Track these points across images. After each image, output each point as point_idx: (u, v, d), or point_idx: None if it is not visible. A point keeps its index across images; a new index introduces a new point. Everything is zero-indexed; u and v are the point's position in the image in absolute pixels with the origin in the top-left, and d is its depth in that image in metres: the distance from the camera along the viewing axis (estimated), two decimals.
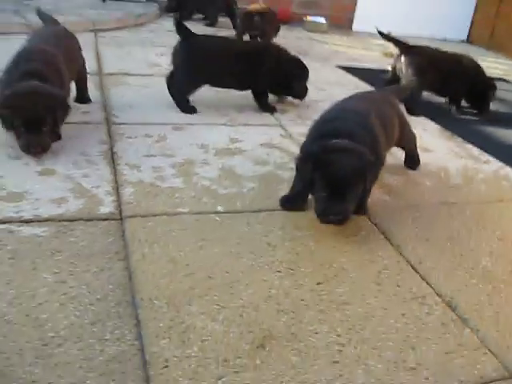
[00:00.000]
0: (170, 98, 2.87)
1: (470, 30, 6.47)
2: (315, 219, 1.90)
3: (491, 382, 1.36)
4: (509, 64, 5.69)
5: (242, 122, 2.81)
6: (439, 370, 1.37)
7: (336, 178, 1.80)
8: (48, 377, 1.21)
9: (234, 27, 4.94)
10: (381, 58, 4.92)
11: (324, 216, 1.83)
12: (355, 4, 6.00)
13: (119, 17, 4.57)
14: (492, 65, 5.40)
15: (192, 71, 2.74)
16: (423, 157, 2.71)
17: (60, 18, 4.07)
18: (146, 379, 1.23)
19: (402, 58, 3.43)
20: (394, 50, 5.04)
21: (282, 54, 2.97)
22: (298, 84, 3.02)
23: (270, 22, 4.51)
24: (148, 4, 5.28)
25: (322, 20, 5.64)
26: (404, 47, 3.49)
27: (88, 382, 1.21)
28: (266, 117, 2.95)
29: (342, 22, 5.97)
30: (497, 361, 1.43)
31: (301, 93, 3.07)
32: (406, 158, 2.56)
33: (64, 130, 2.30)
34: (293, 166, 2.09)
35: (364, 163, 1.83)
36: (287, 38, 4.95)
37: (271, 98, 3.13)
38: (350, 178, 1.81)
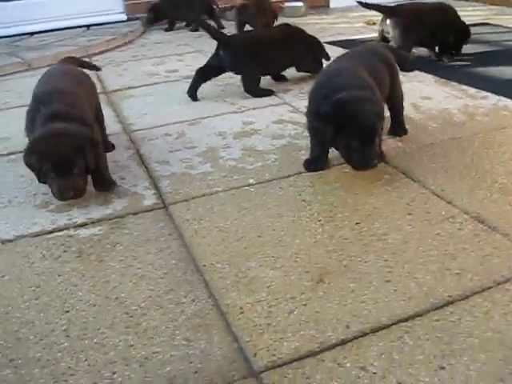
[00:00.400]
0: (176, 99, 3.06)
1: None
2: (340, 172, 2.06)
3: None
4: (488, 9, 5.82)
5: (251, 107, 2.96)
6: (481, 270, 1.52)
7: (366, 126, 1.92)
8: (141, 340, 1.36)
9: (219, 27, 5.11)
10: (364, 27, 5.05)
11: (365, 164, 1.96)
12: None
13: (108, 39, 4.74)
14: (472, 13, 5.53)
15: (247, 67, 3.05)
16: (425, 104, 2.87)
17: (53, 50, 4.30)
18: (227, 325, 1.38)
19: (388, 21, 3.57)
20: (374, 17, 5.22)
21: (308, 35, 3.33)
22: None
23: (263, 12, 4.78)
24: (131, 22, 5.45)
25: (299, 4, 5.78)
26: (387, 10, 3.63)
27: (178, 337, 1.36)
28: (271, 98, 3.10)
29: (318, 2, 6.10)
30: None
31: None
32: (392, 124, 2.48)
33: None
34: (307, 134, 2.25)
35: (380, 108, 1.98)
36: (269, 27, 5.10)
37: (268, 80, 3.30)
38: (377, 123, 1.95)
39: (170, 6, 5.20)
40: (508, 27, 4.75)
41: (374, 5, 3.69)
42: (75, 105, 2.11)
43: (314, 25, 5.22)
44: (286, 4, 5.75)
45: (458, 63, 3.67)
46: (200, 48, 4.50)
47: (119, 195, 2.08)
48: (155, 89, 3.43)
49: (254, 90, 3.12)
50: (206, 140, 2.55)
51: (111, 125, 2.85)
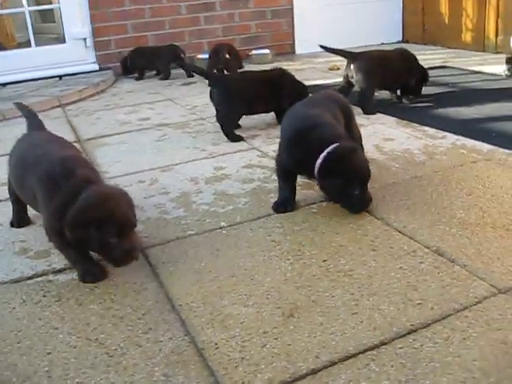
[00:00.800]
0: (149, 146, 3.17)
1: (403, 31, 6.93)
2: (307, 214, 2.18)
3: (484, 299, 1.62)
4: (445, 52, 6.13)
5: (220, 153, 3.08)
6: (441, 300, 1.63)
7: (366, 174, 2.17)
8: (121, 378, 1.42)
9: (188, 76, 5.30)
10: (329, 72, 5.28)
11: (366, 207, 2.21)
12: (293, 30, 6.39)
13: (80, 88, 4.85)
14: (430, 56, 5.83)
15: (232, 105, 3.23)
16: (387, 145, 3.02)
17: (27, 100, 4.38)
18: (204, 361, 1.45)
19: (351, 66, 3.76)
20: (338, 62, 5.46)
21: (292, 77, 3.52)
22: None
23: (235, 56, 5.10)
24: (102, 72, 5.58)
25: (265, 51, 6.01)
26: (350, 55, 3.82)
27: (156, 374, 1.43)
28: (240, 144, 3.23)
29: (284, 49, 6.36)
30: (486, 283, 1.69)
31: None
32: None
33: None
34: (275, 177, 2.38)
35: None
36: None
37: (245, 126, 3.44)
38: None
39: (140, 57, 5.37)
40: (464, 69, 5.03)
41: (337, 50, 3.90)
42: (88, 166, 2.01)
43: None
44: (253, 52, 5.97)
45: (419, 105, 3.87)
46: (170, 96, 4.66)
47: None
48: (128, 137, 3.53)
49: (227, 131, 3.27)
50: (179, 186, 2.64)
51: None
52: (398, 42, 6.99)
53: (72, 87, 4.93)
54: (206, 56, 5.60)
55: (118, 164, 3.03)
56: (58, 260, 2.03)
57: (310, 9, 6.43)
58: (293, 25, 6.42)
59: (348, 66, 3.81)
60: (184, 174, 2.78)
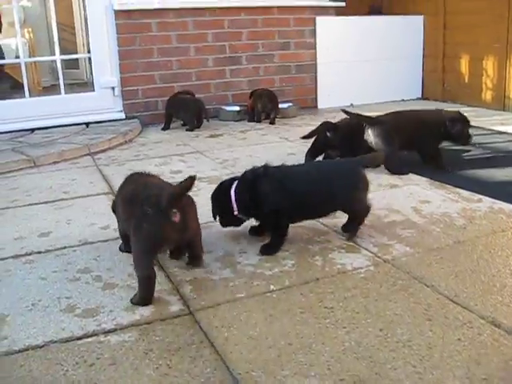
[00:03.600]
0: None
1: (423, 87, 7.04)
2: (356, 279, 2.17)
3: None
4: (465, 110, 6.19)
5: None
6: (505, 375, 1.60)
7: None
8: None
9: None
10: None
11: None
12: (316, 85, 6.51)
13: (109, 137, 4.92)
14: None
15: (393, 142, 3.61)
16: (425, 207, 3.03)
17: (57, 148, 4.44)
18: None
19: (369, 131, 3.78)
20: None
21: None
22: None
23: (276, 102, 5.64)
24: (129, 121, 5.67)
25: (235, 108, 6.06)
26: (368, 121, 3.85)
27: None
28: None
29: (306, 103, 6.46)
30: None
31: None
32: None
33: (105, 250, 2.57)
34: (317, 238, 2.38)
35: None
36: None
37: None
38: None
39: (171, 108, 5.48)
40: (488, 129, 5.08)
41: (356, 114, 3.94)
42: None
43: (304, 126, 5.50)
44: (223, 107, 6.03)
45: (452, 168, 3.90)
46: (199, 148, 4.70)
47: None
48: None
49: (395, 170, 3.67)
50: (221, 244, 2.64)
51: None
52: (418, 99, 7.10)
53: (100, 135, 5.00)
54: (230, 108, 5.76)
55: None
56: (107, 319, 2.02)
57: (332, 65, 6.56)
58: (316, 80, 6.52)
59: (366, 131, 3.80)
60: (225, 232, 2.78)
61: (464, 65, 6.52)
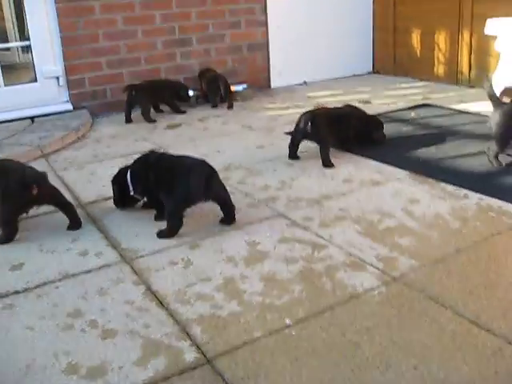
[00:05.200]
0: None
1: (373, 62, 6.98)
2: (372, 305, 2.08)
3: None
4: (420, 86, 6.22)
5: (246, 221, 2.93)
6: None
7: None
8: None
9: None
10: None
11: None
12: (268, 63, 6.32)
13: (61, 135, 4.56)
14: (409, 91, 5.90)
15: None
16: (415, 208, 2.96)
17: (6, 151, 4.07)
18: None
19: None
20: (320, 99, 5.43)
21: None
22: None
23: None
24: (77, 113, 5.30)
25: (243, 87, 5.89)
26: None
27: None
28: (262, 210, 3.09)
29: (259, 83, 6.26)
30: None
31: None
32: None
33: (91, 284, 2.37)
34: (319, 255, 2.26)
35: None
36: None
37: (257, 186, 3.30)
38: None
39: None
40: (449, 108, 5.08)
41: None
42: None
43: (265, 111, 5.32)
44: (234, 87, 5.82)
45: (423, 150, 3.86)
46: (160, 143, 4.44)
47: (154, 350, 1.96)
48: None
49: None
50: (218, 269, 2.48)
51: (103, 251, 2.70)
52: (369, 73, 7.05)
53: (50, 132, 4.63)
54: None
55: (136, 239, 2.82)
56: (119, 379, 1.83)
57: (283, 42, 6.37)
58: (268, 59, 6.32)
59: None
60: (217, 252, 2.61)
61: (415, 38, 6.50)
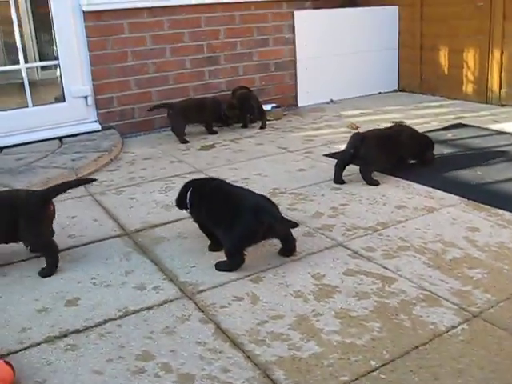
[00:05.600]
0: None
1: (399, 79, 6.92)
2: (455, 343, 1.97)
3: None
4: (449, 104, 6.15)
5: (306, 252, 2.83)
6: None
7: None
8: None
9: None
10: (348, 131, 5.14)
11: None
12: (295, 82, 6.26)
13: (94, 157, 4.48)
14: (439, 110, 5.82)
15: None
16: (477, 237, 2.86)
17: (40, 175, 3.97)
18: None
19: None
20: (351, 119, 5.36)
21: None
22: None
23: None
24: (106, 132, 5.22)
25: (272, 106, 5.81)
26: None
27: None
28: (320, 238, 2.99)
29: (287, 102, 6.20)
30: None
31: None
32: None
33: (156, 322, 2.26)
34: (390, 289, 2.16)
35: None
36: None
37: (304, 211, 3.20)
38: None
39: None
40: (485, 128, 4.99)
41: None
42: None
43: (297, 132, 5.24)
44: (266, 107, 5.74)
45: (467, 173, 3.78)
46: (197, 166, 4.36)
47: None
48: (183, 227, 3.21)
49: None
50: (287, 304, 2.37)
51: (164, 286, 2.59)
52: (395, 91, 6.98)
53: (82, 154, 4.55)
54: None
55: (194, 270, 2.72)
56: None
57: (311, 60, 6.31)
58: (295, 77, 6.26)
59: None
60: (282, 286, 2.51)
61: (443, 56, 6.43)
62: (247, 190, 2.86)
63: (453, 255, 2.73)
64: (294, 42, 6.18)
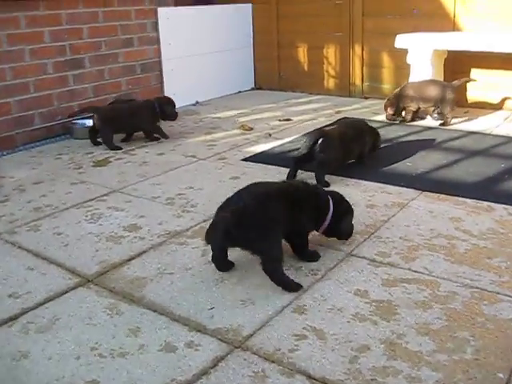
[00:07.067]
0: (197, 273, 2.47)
1: (255, 77, 6.87)
2: None
3: None
4: (316, 99, 6.27)
5: (320, 270, 2.55)
6: None
7: None
8: None
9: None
10: (243, 133, 4.92)
11: None
12: (161, 84, 5.82)
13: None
14: (313, 105, 5.88)
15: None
16: (466, 226, 2.89)
17: None
18: None
19: None
20: (240, 118, 5.15)
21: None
22: None
23: None
24: None
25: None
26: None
27: None
28: (331, 256, 2.73)
29: None
30: None
31: None
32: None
33: None
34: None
35: None
36: None
37: None
38: None
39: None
40: (373, 120, 5.16)
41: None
42: None
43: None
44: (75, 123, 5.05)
45: (394, 166, 3.85)
46: (108, 185, 3.74)
47: None
48: (157, 260, 2.68)
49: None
50: (360, 332, 2.09)
51: (199, 341, 2.11)
52: (252, 89, 6.93)
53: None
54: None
55: (218, 312, 2.27)
56: None
57: (175, 61, 5.93)
58: (161, 79, 5.81)
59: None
60: (333, 311, 2.22)
61: (302, 53, 6.55)
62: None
63: (464, 248, 2.70)
64: (158, 41, 5.71)
